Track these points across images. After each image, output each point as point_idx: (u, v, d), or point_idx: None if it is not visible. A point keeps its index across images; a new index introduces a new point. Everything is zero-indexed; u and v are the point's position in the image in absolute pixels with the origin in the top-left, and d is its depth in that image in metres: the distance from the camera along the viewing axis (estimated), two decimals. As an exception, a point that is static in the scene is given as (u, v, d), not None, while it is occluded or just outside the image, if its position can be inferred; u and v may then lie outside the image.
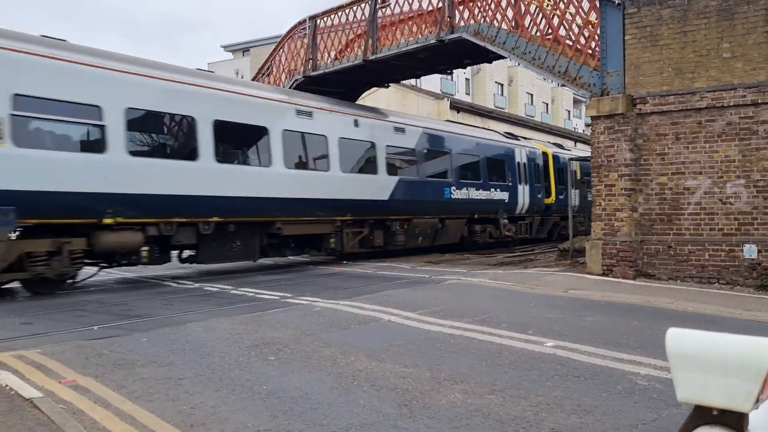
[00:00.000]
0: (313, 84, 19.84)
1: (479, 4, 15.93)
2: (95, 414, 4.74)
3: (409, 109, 27.64)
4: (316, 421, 4.68)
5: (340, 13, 19.21)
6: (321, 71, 19.50)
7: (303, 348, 6.98)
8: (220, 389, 5.46)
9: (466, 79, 58.13)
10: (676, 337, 1.01)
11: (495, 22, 15.47)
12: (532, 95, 66.08)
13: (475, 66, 53.32)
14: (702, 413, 1.02)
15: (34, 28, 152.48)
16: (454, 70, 51.03)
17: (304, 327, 8.09)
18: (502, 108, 55.74)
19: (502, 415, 4.85)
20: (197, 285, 12.64)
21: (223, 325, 8.19)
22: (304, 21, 20.05)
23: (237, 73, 49.09)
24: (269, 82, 21.36)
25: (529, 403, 5.15)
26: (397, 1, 17.72)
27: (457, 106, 28.36)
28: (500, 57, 17.00)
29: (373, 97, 26.66)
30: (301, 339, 7.41)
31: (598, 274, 13.08)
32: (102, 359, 6.36)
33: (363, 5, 18.45)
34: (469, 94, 57.94)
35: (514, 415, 4.85)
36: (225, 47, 59.42)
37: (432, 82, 46.08)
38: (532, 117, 58.05)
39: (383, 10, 18.08)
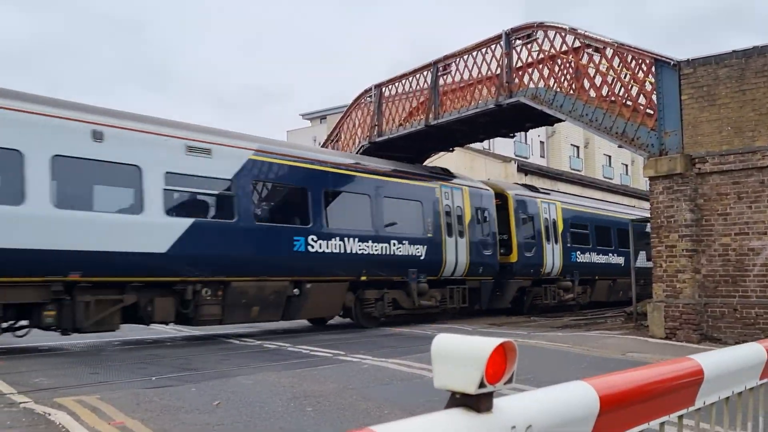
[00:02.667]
0: (379, 149, 20.52)
1: (538, 68, 16.28)
2: (132, 453, 5.14)
3: (476, 173, 27.92)
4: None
5: (403, 81, 19.97)
6: (386, 137, 20.19)
7: (341, 401, 7.22)
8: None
9: (541, 141, 58.11)
10: (439, 339, 1.28)
11: (556, 85, 15.73)
12: (610, 157, 65.17)
13: (549, 128, 53.66)
14: (452, 397, 1.28)
15: (134, 100, 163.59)
16: (527, 133, 51.41)
17: (348, 382, 8.33)
18: (578, 170, 55.22)
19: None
20: (258, 342, 13.11)
21: (270, 378, 8.53)
22: (370, 89, 20.93)
23: (314, 140, 51.01)
24: (338, 148, 22.22)
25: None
26: (457, 69, 18.31)
27: (524, 169, 28.54)
28: (562, 120, 17.22)
29: (441, 160, 27.19)
30: (341, 393, 7.65)
31: (661, 338, 12.74)
32: (151, 405, 6.80)
33: (425, 72, 19.14)
34: (544, 157, 57.78)
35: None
36: (303, 115, 61.96)
37: (505, 145, 46.35)
38: (610, 179, 57.16)
39: (444, 77, 18.70)
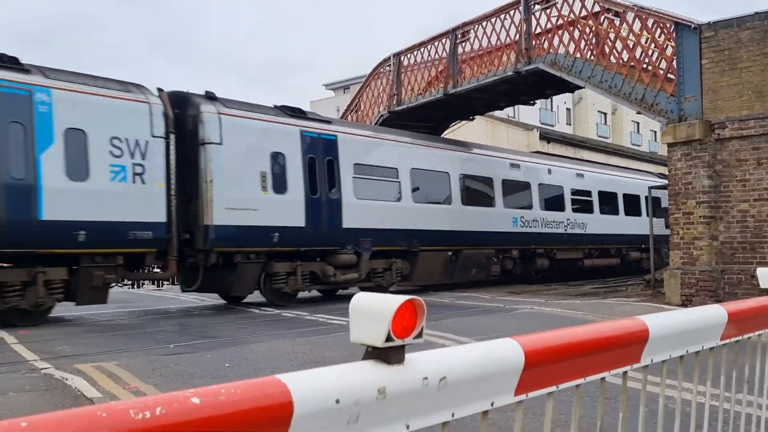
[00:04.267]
0: (399, 119, 20.50)
1: (558, 33, 16.06)
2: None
3: (499, 141, 27.72)
4: None
5: (422, 50, 19.85)
6: (405, 106, 20.15)
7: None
8: None
9: (567, 109, 57.32)
10: (356, 297, 1.37)
11: (576, 51, 15.50)
12: (638, 124, 64.02)
13: (575, 96, 52.84)
14: (366, 351, 1.38)
15: (158, 73, 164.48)
16: (553, 101, 50.82)
17: (359, 349, 8.48)
18: (605, 138, 54.47)
19: None
20: (277, 311, 13.36)
21: (284, 346, 8.74)
22: (389, 58, 20.84)
23: (338, 111, 50.87)
24: (357, 119, 22.24)
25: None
26: (476, 36, 18.14)
27: (547, 137, 28.24)
28: (581, 87, 17.01)
29: (462, 129, 27.03)
30: (350, 359, 7.74)
31: (677, 305, 12.69)
32: (166, 371, 7.04)
33: (444, 40, 19.00)
34: (570, 125, 57.04)
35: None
36: (326, 86, 61.81)
37: (531, 113, 45.82)
38: (638, 146, 56.27)
39: (463, 44, 18.54)
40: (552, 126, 48.92)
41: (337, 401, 1.20)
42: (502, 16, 17.35)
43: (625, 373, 2.03)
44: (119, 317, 12.93)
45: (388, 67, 21.12)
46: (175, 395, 1.02)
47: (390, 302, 1.27)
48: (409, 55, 20.50)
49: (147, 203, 11.90)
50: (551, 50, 16.07)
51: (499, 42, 17.47)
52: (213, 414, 1.03)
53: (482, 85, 17.76)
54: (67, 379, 6.36)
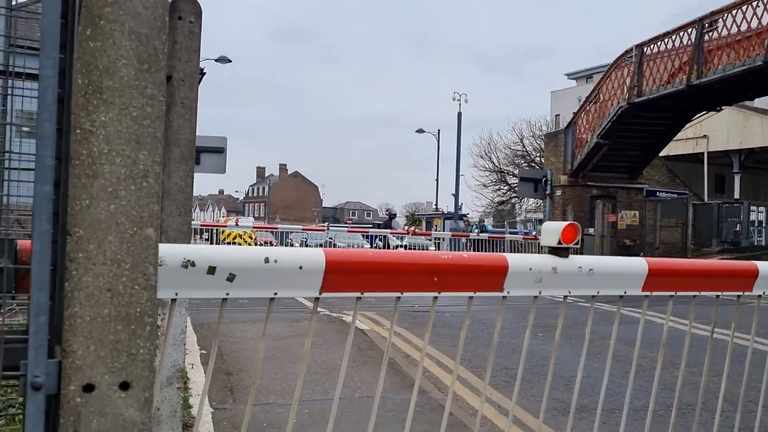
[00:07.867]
0: (638, 110, 20.48)
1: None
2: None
3: (750, 133, 26.04)
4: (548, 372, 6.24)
5: (666, 40, 19.62)
6: (645, 97, 20.08)
7: (571, 331, 8.43)
8: (498, 352, 7.34)
9: None
10: (545, 224, 2.56)
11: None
12: None
13: None
14: (547, 251, 2.56)
15: (400, 66, 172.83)
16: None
17: (579, 317, 9.46)
18: None
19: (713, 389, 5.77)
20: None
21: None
22: (631, 49, 20.84)
23: (579, 100, 50.17)
24: (596, 110, 22.52)
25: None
26: (724, 24, 17.58)
27: (811, 127, 25.78)
28: None
29: (708, 121, 25.87)
30: (571, 326, 8.83)
31: None
32: (414, 321, 8.68)
33: (690, 30, 18.64)
34: None
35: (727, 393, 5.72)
36: (568, 75, 61.05)
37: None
38: None
39: (710, 34, 18.06)
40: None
41: (530, 269, 2.43)
42: (754, 3, 16.65)
43: (738, 296, 2.97)
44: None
45: (629, 58, 21.13)
46: (455, 253, 2.33)
47: (560, 223, 2.47)
48: (651, 46, 20.35)
49: None
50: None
51: (749, 30, 16.79)
52: (470, 263, 2.33)
53: (728, 75, 17.21)
54: (342, 317, 8.28)
